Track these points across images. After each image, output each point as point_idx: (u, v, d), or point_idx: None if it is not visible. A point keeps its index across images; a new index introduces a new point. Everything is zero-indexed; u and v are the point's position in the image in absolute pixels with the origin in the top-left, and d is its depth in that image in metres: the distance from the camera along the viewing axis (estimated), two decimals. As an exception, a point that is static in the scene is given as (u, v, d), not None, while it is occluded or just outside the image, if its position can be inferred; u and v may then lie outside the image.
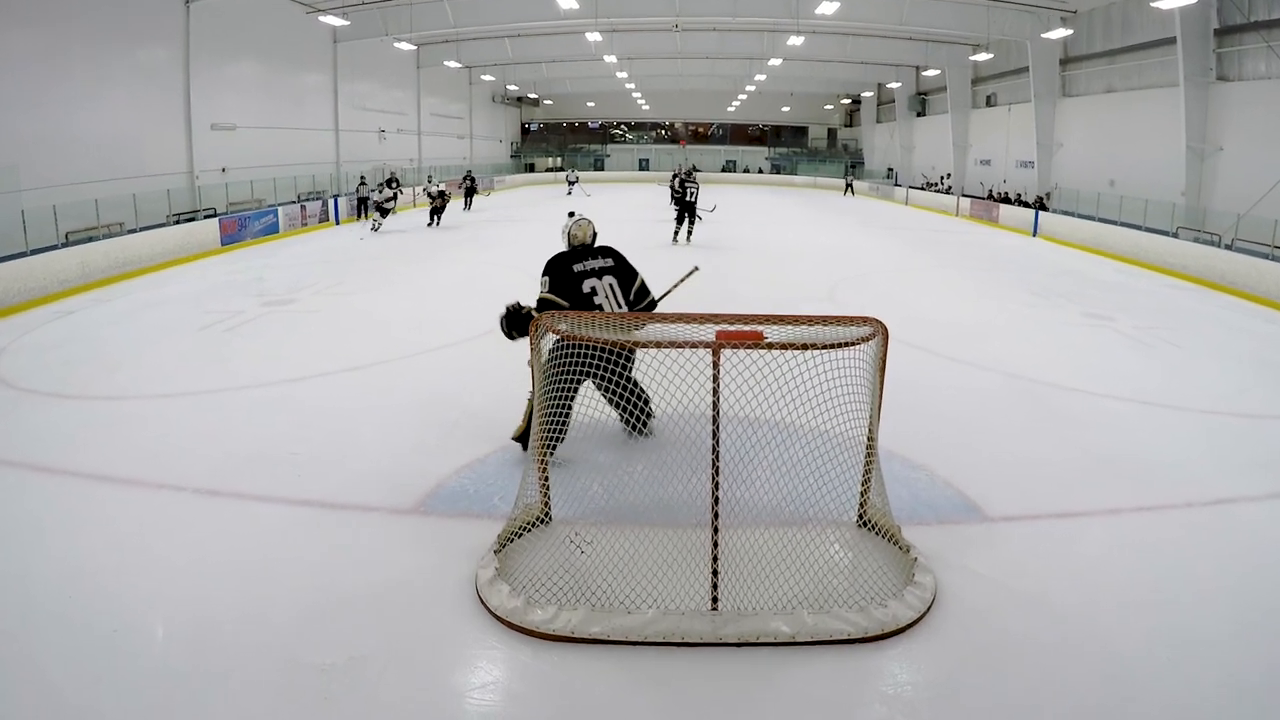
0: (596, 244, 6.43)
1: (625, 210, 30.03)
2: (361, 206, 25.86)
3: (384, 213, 22.84)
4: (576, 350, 4.98)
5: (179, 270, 16.38)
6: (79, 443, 6.66)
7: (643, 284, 6.23)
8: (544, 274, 6.06)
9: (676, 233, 20.33)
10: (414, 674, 3.86)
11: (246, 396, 7.86)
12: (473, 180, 31.92)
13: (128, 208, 17.23)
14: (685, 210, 20.25)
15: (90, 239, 15.46)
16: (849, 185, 46.12)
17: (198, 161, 22.95)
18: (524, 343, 5.66)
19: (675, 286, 7.08)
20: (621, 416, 5.95)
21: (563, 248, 6.38)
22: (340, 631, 4.13)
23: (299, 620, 4.22)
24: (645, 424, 6.11)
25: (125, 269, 15.41)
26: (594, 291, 5.97)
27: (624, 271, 6.20)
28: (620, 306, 6.02)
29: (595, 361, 5.03)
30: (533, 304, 6.01)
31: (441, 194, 24.20)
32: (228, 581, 4.58)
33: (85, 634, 4.10)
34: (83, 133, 18.84)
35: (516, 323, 5.95)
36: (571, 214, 6.60)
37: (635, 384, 5.53)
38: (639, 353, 5.11)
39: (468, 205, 30.97)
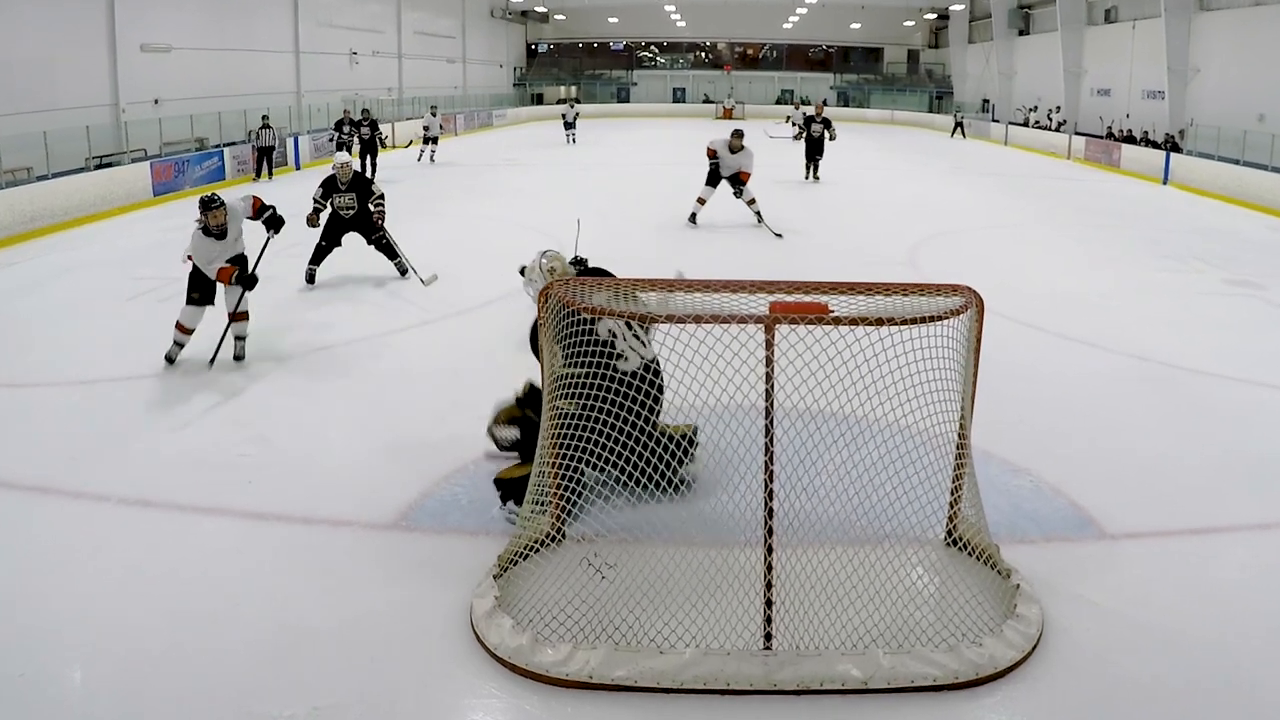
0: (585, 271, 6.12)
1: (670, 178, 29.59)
2: (263, 161, 22.97)
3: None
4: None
5: (101, 226, 16.51)
6: (-20, 439, 6.71)
7: None
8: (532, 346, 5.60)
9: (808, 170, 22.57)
10: (394, 726, 3.86)
11: (186, 383, 7.90)
12: (374, 126, 23.28)
13: (37, 148, 17.30)
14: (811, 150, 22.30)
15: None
16: (959, 124, 44.28)
17: (124, 92, 23.04)
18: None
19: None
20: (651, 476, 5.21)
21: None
22: (302, 675, 4.13)
23: (250, 661, 4.23)
24: (685, 465, 5.70)
25: (35, 225, 15.52)
26: (613, 337, 5.56)
27: None
28: (646, 346, 5.72)
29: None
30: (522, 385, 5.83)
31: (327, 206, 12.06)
32: (162, 613, 4.59)
33: (-13, 678, 4.12)
34: (-21, 56, 18.96)
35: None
36: (523, 270, 6.20)
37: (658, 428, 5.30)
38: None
39: (368, 168, 22.18)
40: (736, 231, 15.39)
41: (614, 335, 5.53)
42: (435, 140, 27.20)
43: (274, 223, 8.81)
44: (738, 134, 15.87)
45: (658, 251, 13.39)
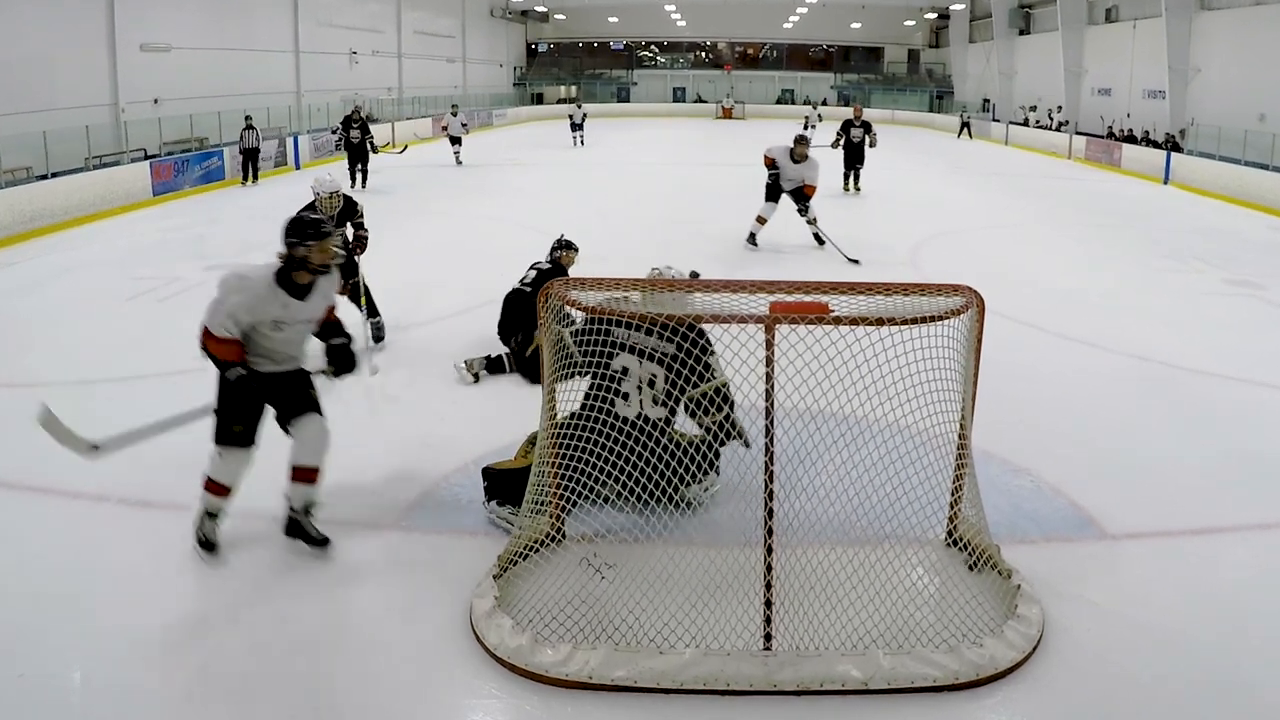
0: None
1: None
2: (249, 164, 22.17)
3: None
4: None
5: (101, 226, 16.51)
6: (-23, 440, 6.67)
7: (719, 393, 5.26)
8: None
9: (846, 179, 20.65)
10: (394, 726, 3.86)
11: (185, 383, 7.84)
12: (364, 127, 21.13)
13: (36, 148, 17.33)
14: (851, 158, 20.44)
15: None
16: (965, 125, 43.87)
17: (124, 91, 23.05)
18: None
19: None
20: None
21: None
22: (301, 676, 4.13)
23: (250, 661, 4.23)
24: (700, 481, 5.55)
25: (34, 225, 15.53)
26: (624, 374, 5.36)
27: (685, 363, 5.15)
28: (658, 405, 5.39)
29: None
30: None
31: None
32: (162, 614, 4.59)
33: (-16, 679, 4.10)
34: (-21, 56, 18.95)
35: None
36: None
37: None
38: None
39: (358, 175, 21.15)
40: (737, 232, 14.96)
41: (625, 372, 5.33)
42: (459, 140, 27.00)
43: (346, 361, 5.28)
44: (801, 140, 13.75)
45: (659, 251, 13.28)
